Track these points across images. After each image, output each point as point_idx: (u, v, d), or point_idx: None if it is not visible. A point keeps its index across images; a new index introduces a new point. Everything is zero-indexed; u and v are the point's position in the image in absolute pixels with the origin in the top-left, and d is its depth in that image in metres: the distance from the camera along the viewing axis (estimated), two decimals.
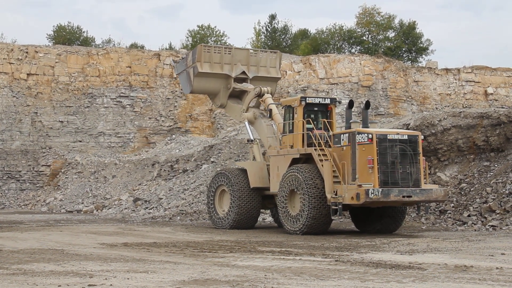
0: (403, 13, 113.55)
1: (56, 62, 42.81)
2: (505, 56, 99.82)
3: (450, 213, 23.79)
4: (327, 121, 21.69)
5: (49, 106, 42.36)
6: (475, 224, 22.15)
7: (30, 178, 41.14)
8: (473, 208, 23.29)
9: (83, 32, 54.60)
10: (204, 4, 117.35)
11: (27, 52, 42.56)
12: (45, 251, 15.82)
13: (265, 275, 11.62)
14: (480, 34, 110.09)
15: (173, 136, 43.03)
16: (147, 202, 32.86)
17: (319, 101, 22.26)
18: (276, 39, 57.00)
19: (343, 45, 56.71)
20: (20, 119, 41.82)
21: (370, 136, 19.40)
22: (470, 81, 46.87)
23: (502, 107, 37.64)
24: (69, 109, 42.63)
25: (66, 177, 39.56)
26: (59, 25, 53.99)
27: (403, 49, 56.37)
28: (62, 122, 42.36)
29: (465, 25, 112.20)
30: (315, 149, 20.38)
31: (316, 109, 22.09)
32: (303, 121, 21.40)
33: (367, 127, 20.67)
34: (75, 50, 44.16)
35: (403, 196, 19.21)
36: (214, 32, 57.30)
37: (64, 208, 35.68)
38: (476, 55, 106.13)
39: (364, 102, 22.41)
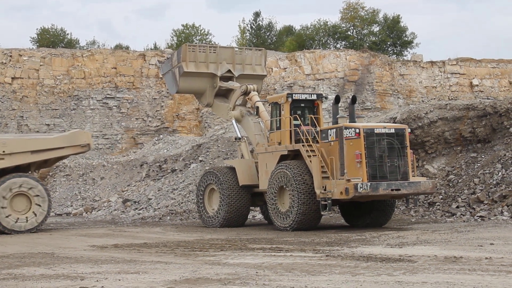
0: (388, 7, 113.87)
1: (40, 65, 42.61)
2: (490, 47, 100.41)
3: (438, 205, 23.92)
4: (314, 117, 21.73)
5: (35, 109, 42.18)
6: (463, 215, 22.29)
7: None
8: (462, 199, 23.43)
9: (67, 34, 54.44)
10: (190, 4, 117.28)
11: (11, 56, 42.33)
12: (35, 255, 15.76)
13: (256, 272, 11.65)
14: (466, 26, 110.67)
15: (161, 136, 42.96)
16: (137, 203, 32.80)
17: (306, 97, 22.30)
18: (261, 37, 57.02)
19: (328, 41, 56.83)
20: (6, 123, 41.61)
21: (357, 130, 19.46)
22: (455, 73, 47.11)
23: (487, 99, 37.88)
24: (55, 112, 42.46)
25: (54, 180, 39.38)
26: (42, 28, 53.79)
27: (388, 43, 56.57)
28: (48, 125, 42.18)
29: (450, 17, 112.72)
30: (303, 145, 20.42)
31: (302, 105, 22.13)
32: (290, 118, 21.43)
33: (354, 122, 20.73)
34: (59, 52, 43.97)
35: (392, 190, 19.29)
36: (199, 31, 57.23)
37: (53, 211, 35.53)
38: (462, 47, 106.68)
39: (350, 97, 22.46)
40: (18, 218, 23.35)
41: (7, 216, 23.19)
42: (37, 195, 23.65)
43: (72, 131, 26.75)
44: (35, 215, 23.57)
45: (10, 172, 23.70)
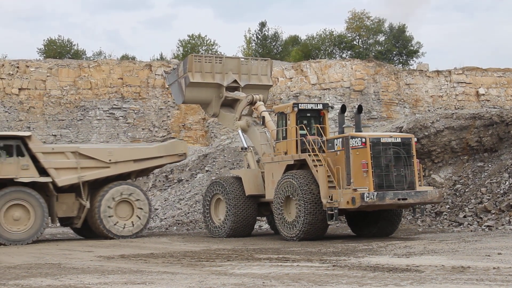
0: (395, 17, 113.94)
1: (47, 76, 42.79)
2: (497, 56, 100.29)
3: (445, 214, 23.85)
4: (320, 127, 21.72)
5: (42, 120, 42.33)
6: (471, 225, 22.21)
7: None
8: (469, 209, 23.36)
9: (74, 45, 54.67)
10: (197, 14, 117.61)
11: (18, 67, 42.53)
12: (42, 265, 15.77)
13: (263, 282, 11.62)
14: (472, 35, 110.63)
15: None
16: None
17: (312, 107, 22.30)
18: (266, 47, 57.12)
19: (333, 50, 56.88)
20: None
21: (363, 140, 19.44)
22: (462, 82, 47.05)
23: (494, 108, 37.79)
24: (62, 122, 42.59)
25: None
26: (49, 39, 54.03)
27: (394, 52, 56.59)
28: (55, 135, 42.28)
29: (457, 26, 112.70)
30: (309, 155, 20.41)
31: (308, 115, 22.13)
32: (296, 127, 21.43)
33: (360, 131, 20.72)
34: (66, 63, 44.16)
35: (398, 199, 19.24)
36: (205, 41, 57.38)
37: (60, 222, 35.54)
38: (469, 56, 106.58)
39: (356, 106, 22.46)
40: (124, 224, 24.58)
41: (115, 224, 24.41)
42: (138, 199, 24.84)
43: (170, 141, 27.81)
44: (139, 218, 24.81)
45: (113, 180, 24.81)
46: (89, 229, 25.21)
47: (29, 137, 23.80)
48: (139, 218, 24.79)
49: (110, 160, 24.70)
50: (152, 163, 25.96)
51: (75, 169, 24.11)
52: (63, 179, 23.93)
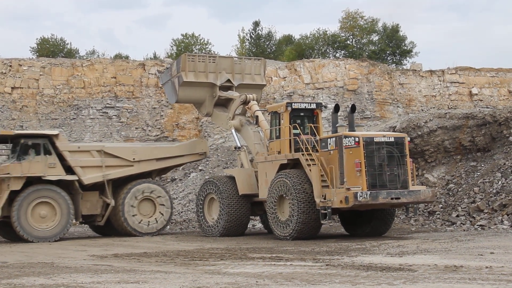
0: (389, 17, 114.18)
1: (40, 75, 42.65)
2: (491, 56, 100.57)
3: (438, 214, 23.91)
4: (314, 126, 21.74)
5: (35, 119, 42.19)
6: (463, 224, 22.28)
7: None
8: (461, 208, 23.43)
9: (67, 44, 54.53)
10: (192, 13, 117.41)
11: (10, 66, 42.37)
12: (35, 264, 15.73)
13: (256, 281, 11.63)
14: (466, 35, 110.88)
15: None
16: None
17: (305, 106, 22.32)
18: (260, 46, 57.08)
19: (327, 50, 56.90)
20: None
21: (356, 139, 19.47)
22: (455, 82, 47.13)
23: (487, 107, 37.91)
24: (55, 121, 42.46)
25: None
26: (42, 37, 53.87)
27: (387, 52, 56.64)
28: None
29: (451, 26, 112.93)
30: (303, 154, 20.43)
31: (302, 114, 22.15)
32: (289, 127, 21.45)
33: (354, 131, 20.75)
34: (59, 62, 44.01)
35: (392, 198, 19.28)
36: (199, 41, 57.31)
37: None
38: (463, 56, 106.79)
39: (350, 106, 22.48)
40: (148, 221, 25.13)
41: (139, 222, 24.97)
42: (159, 196, 25.38)
43: (192, 140, 28.49)
44: (162, 214, 25.35)
45: (135, 178, 25.28)
46: (109, 227, 25.69)
47: (56, 135, 24.30)
48: (162, 214, 25.33)
49: (134, 158, 25.30)
50: (174, 161, 26.52)
51: (100, 167, 24.69)
52: (89, 177, 24.49)
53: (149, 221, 25.10)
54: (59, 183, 23.91)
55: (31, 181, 23.53)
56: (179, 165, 27.93)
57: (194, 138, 43.73)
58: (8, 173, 23.13)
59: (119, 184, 25.39)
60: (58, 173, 23.81)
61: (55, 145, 24.08)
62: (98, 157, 24.77)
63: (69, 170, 24.26)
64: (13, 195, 23.26)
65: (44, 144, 23.87)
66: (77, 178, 24.24)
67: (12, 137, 24.18)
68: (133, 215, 24.82)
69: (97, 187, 24.93)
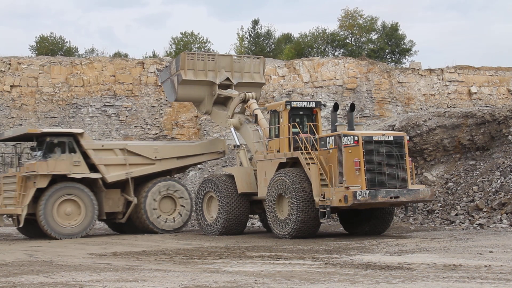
0: (387, 15, 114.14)
1: (39, 73, 42.62)
2: (490, 55, 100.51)
3: (437, 212, 23.92)
4: (313, 125, 21.74)
5: (34, 117, 42.17)
6: (462, 223, 22.29)
7: None
8: (460, 207, 23.44)
9: (66, 42, 54.47)
10: (191, 12, 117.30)
11: (9, 64, 42.34)
12: (34, 263, 15.73)
13: (255, 280, 11.63)
14: (466, 34, 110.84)
15: None
16: None
17: (304, 105, 22.32)
18: (259, 44, 57.05)
19: (326, 49, 56.87)
20: (4, 131, 41.56)
21: (356, 138, 19.47)
22: (454, 81, 47.14)
23: (486, 106, 37.92)
24: (54, 120, 42.43)
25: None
26: (41, 36, 53.82)
27: (387, 50, 56.63)
28: None
29: (450, 25, 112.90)
30: (302, 153, 20.43)
31: (301, 113, 22.15)
32: (288, 125, 21.44)
33: (353, 130, 20.74)
34: (58, 60, 43.98)
35: (391, 197, 19.28)
36: (198, 39, 57.29)
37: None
38: (462, 55, 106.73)
39: (349, 104, 22.47)
40: (166, 218, 25.50)
41: (158, 217, 25.36)
42: (181, 197, 25.77)
43: (211, 139, 28.80)
44: (181, 215, 25.80)
45: (156, 176, 25.61)
46: (127, 225, 26.01)
47: (81, 134, 24.65)
48: (181, 215, 25.69)
49: (155, 157, 25.63)
50: (193, 160, 26.87)
51: (123, 165, 25.08)
52: (112, 175, 24.86)
53: (167, 218, 25.51)
54: (82, 181, 24.31)
55: (55, 179, 23.92)
56: (198, 163, 28.40)
57: (193, 136, 43.78)
58: (34, 171, 23.49)
59: (140, 182, 25.77)
60: (82, 171, 24.25)
61: (79, 143, 24.51)
62: (121, 155, 25.17)
63: (92, 168, 24.63)
64: (37, 192, 23.61)
65: (69, 143, 24.33)
66: (100, 176, 24.64)
67: (38, 135, 24.48)
68: (154, 209, 25.23)
69: (119, 185, 25.34)
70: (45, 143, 24.01)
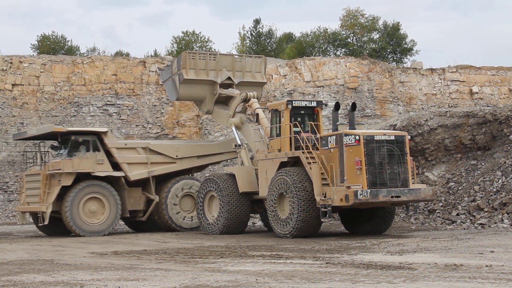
0: (388, 15, 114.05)
1: (41, 72, 42.63)
2: (491, 55, 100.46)
3: (439, 212, 23.91)
4: (314, 124, 21.73)
5: (35, 116, 42.18)
6: (464, 223, 22.27)
7: (17, 189, 40.92)
8: (462, 207, 23.42)
9: (68, 41, 54.47)
10: (193, 11, 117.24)
11: (11, 63, 42.35)
12: (35, 261, 15.73)
13: (256, 279, 11.62)
14: (467, 33, 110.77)
15: None
16: None
17: (306, 104, 22.31)
18: (261, 44, 57.04)
19: (328, 48, 56.85)
20: (6, 129, 41.58)
21: (357, 137, 19.45)
22: (455, 80, 47.13)
23: (487, 106, 37.89)
24: (56, 118, 42.45)
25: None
26: (43, 34, 53.82)
27: (388, 50, 56.59)
28: None
29: (452, 25, 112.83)
30: (303, 152, 20.41)
31: (302, 112, 22.13)
32: (290, 125, 21.44)
33: (354, 129, 20.73)
34: (60, 59, 44.00)
35: (392, 197, 19.26)
36: (199, 38, 57.28)
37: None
38: (463, 54, 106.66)
39: (350, 104, 22.46)
40: (185, 216, 25.87)
41: (177, 213, 25.71)
42: None
43: (231, 138, 28.61)
44: None
45: (176, 175, 25.84)
46: (146, 223, 26.30)
47: (105, 133, 25.05)
48: None
49: (176, 156, 25.92)
50: (213, 159, 27.13)
51: (145, 164, 25.37)
52: (135, 173, 25.19)
53: (185, 216, 25.84)
54: (104, 179, 24.61)
55: (78, 177, 24.23)
56: (217, 162, 28.58)
57: (195, 135, 43.79)
58: (59, 169, 23.81)
59: (159, 181, 26.02)
60: (106, 170, 24.59)
61: (103, 142, 24.84)
62: (144, 154, 25.48)
63: (114, 166, 24.93)
64: (61, 190, 23.94)
65: (93, 141, 24.68)
66: (123, 175, 24.94)
67: (63, 133, 24.75)
68: (174, 204, 25.59)
69: (139, 183, 25.61)
70: (70, 142, 24.38)
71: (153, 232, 25.37)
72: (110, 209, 24.35)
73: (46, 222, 23.75)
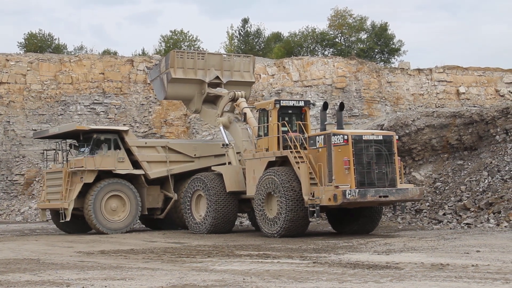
0: (377, 15, 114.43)
1: (27, 70, 42.40)
2: (479, 56, 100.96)
3: (425, 212, 24.00)
4: (302, 124, 21.74)
5: (22, 114, 41.95)
6: (450, 223, 22.37)
7: (3, 187, 40.70)
8: (448, 206, 23.52)
9: (55, 39, 54.18)
10: (182, 10, 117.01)
11: None
12: (21, 261, 15.64)
13: (243, 279, 11.62)
14: (456, 34, 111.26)
15: None
16: None
17: (293, 104, 22.31)
18: (249, 43, 57.02)
19: (316, 48, 56.91)
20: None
21: (345, 137, 19.49)
22: (442, 81, 47.33)
23: (474, 106, 38.08)
24: (42, 117, 42.24)
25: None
26: (30, 32, 53.51)
27: (376, 50, 56.74)
28: (35, 130, 41.89)
29: (441, 25, 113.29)
30: (291, 152, 20.42)
31: (290, 111, 22.14)
32: (278, 124, 21.44)
33: (342, 129, 20.76)
34: (47, 57, 43.79)
35: (380, 196, 19.31)
36: (187, 37, 57.17)
37: (39, 217, 35.32)
38: (452, 55, 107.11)
39: (338, 104, 22.50)
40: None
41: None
42: None
43: None
44: None
45: (193, 174, 25.49)
46: (162, 221, 26.59)
47: (126, 131, 25.45)
48: None
49: (195, 154, 26.25)
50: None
51: (165, 162, 25.71)
52: (154, 172, 25.55)
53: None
54: (124, 177, 24.93)
55: (99, 175, 24.56)
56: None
57: (182, 134, 43.72)
58: (82, 166, 24.16)
59: (178, 179, 26.25)
60: (126, 167, 24.96)
61: (124, 140, 25.20)
62: (163, 152, 25.82)
63: (134, 164, 25.22)
64: (82, 188, 24.30)
65: (114, 139, 25.08)
66: (143, 173, 25.26)
67: (85, 132, 25.13)
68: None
69: (158, 181, 25.89)
70: (92, 140, 24.74)
71: (170, 230, 25.73)
72: (131, 206, 24.76)
73: (68, 219, 24.15)
